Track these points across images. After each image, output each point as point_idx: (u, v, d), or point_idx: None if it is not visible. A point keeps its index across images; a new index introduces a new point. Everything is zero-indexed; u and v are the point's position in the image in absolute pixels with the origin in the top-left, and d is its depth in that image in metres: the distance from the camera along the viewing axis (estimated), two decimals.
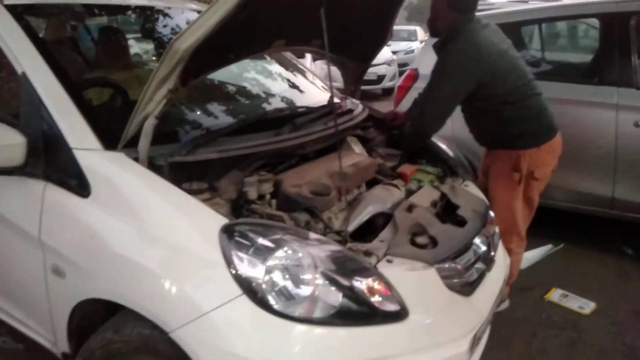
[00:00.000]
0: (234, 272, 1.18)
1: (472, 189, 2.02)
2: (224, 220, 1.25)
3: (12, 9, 1.66)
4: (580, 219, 3.14)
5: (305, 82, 2.43)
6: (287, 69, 2.51)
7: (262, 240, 1.23)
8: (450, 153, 2.27)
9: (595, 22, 3.16)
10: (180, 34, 1.22)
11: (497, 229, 1.86)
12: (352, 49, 2.24)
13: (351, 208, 1.68)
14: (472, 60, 1.91)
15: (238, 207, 1.47)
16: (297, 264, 1.22)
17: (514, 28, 3.40)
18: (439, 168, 2.13)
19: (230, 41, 1.42)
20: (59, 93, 1.47)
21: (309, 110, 1.94)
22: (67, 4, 1.92)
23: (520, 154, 2.01)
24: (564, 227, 3.24)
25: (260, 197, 1.53)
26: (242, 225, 1.26)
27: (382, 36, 2.21)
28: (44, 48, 1.58)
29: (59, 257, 1.41)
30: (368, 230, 1.62)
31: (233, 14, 1.24)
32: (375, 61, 8.91)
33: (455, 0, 1.98)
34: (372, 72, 9.49)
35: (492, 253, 1.70)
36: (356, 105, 2.27)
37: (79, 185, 1.38)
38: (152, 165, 1.39)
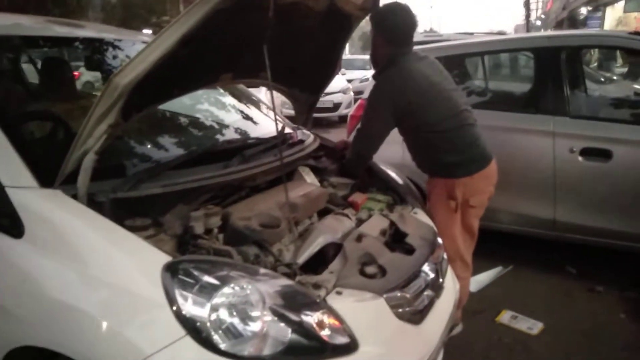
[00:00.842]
0: (177, 312, 1.14)
1: (421, 216, 2.07)
2: (166, 258, 1.22)
3: None
4: (528, 240, 3.27)
5: (257, 114, 2.44)
6: (240, 100, 2.52)
7: (207, 278, 1.20)
8: (400, 181, 2.33)
9: (531, 55, 3.38)
10: (120, 69, 1.21)
11: (445, 255, 1.91)
12: (302, 81, 2.29)
13: (302, 239, 1.68)
14: (398, 88, 1.99)
15: (184, 243, 1.43)
16: (245, 300, 1.20)
17: (459, 60, 3.59)
18: (389, 196, 2.17)
19: (174, 76, 1.42)
20: None
21: (259, 141, 1.95)
22: (9, 36, 1.86)
23: (455, 182, 2.09)
24: (513, 249, 3.36)
25: (208, 231, 1.51)
26: (185, 262, 1.23)
27: (331, 69, 2.27)
28: None
29: None
30: (320, 261, 1.62)
31: (175, 49, 1.24)
32: (331, 89, 9.14)
33: (390, 35, 2.07)
34: (328, 100, 9.69)
35: (441, 280, 1.73)
36: (307, 136, 2.30)
37: (11, 225, 1.30)
38: (93, 202, 1.34)
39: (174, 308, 1.14)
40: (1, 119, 1.44)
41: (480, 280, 2.99)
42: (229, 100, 2.47)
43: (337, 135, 5.27)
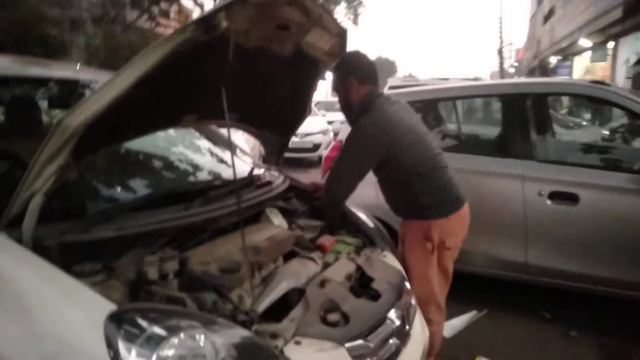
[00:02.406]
0: None
1: (390, 259, 2.03)
2: (112, 307, 1.15)
3: None
4: (502, 283, 3.25)
5: (228, 156, 2.42)
6: (213, 143, 2.50)
7: (154, 328, 1.13)
8: (370, 223, 2.30)
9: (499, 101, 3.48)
10: (71, 109, 1.18)
11: (413, 301, 1.86)
12: (272, 124, 2.29)
13: (265, 284, 1.62)
14: (379, 132, 2.00)
15: (137, 290, 1.37)
16: (195, 352, 1.13)
17: (432, 104, 3.68)
18: (358, 239, 2.14)
19: (131, 116, 1.39)
20: None
21: (224, 183, 1.91)
22: None
23: (432, 223, 2.08)
24: (487, 293, 3.33)
25: (164, 276, 1.45)
26: (131, 311, 1.16)
27: (301, 111, 2.28)
28: None
29: None
30: (283, 307, 1.56)
31: (131, 91, 1.22)
32: (311, 130, 9.22)
33: (363, 74, 2.10)
34: (308, 140, 9.82)
35: (407, 327, 1.68)
36: (276, 177, 2.28)
37: None
38: (39, 247, 1.27)
39: None
40: None
41: (454, 325, 2.93)
42: (202, 142, 2.45)
43: (316, 175, 5.27)
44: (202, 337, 1.15)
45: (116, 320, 1.12)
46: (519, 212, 2.94)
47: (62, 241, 1.31)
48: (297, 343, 1.32)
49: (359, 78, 2.12)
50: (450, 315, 2.83)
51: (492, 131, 3.65)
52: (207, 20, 1.25)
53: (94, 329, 1.11)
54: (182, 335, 1.14)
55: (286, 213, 2.18)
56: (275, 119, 2.25)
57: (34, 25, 11.04)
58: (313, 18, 1.73)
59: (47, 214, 1.31)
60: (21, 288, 1.19)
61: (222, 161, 2.40)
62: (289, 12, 1.60)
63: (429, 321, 2.07)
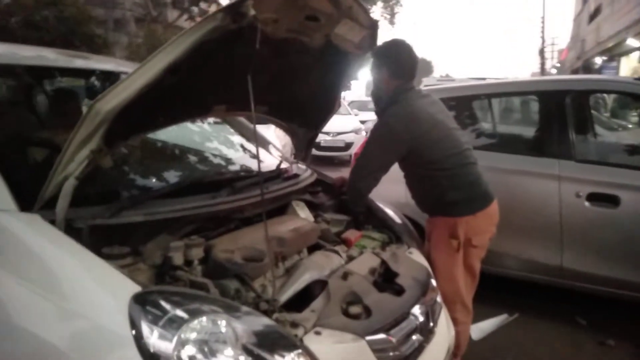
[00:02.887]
0: (142, 346, 1.09)
1: (416, 256, 2.00)
2: (137, 289, 1.17)
3: None
4: (536, 287, 3.14)
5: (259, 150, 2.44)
6: (245, 136, 2.53)
7: (176, 310, 1.15)
8: (397, 219, 2.27)
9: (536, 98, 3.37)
10: (102, 94, 1.21)
11: (439, 298, 1.82)
12: (300, 117, 2.30)
13: (288, 275, 1.63)
14: (404, 126, 1.98)
15: (162, 274, 1.40)
16: (216, 337, 1.14)
17: (466, 102, 3.59)
18: (384, 234, 2.12)
19: (161, 104, 1.42)
20: None
21: (251, 174, 1.93)
22: (23, 65, 1.91)
23: (457, 220, 2.03)
24: (519, 296, 3.22)
25: (189, 263, 1.47)
26: (155, 293, 1.18)
27: (330, 106, 2.27)
28: None
29: None
30: (305, 299, 1.55)
31: (160, 78, 1.25)
32: (343, 129, 9.24)
33: (396, 68, 2.08)
34: (340, 139, 9.84)
35: (432, 324, 1.64)
36: (303, 171, 2.28)
37: None
38: (71, 229, 1.32)
39: (140, 342, 1.09)
40: None
41: (483, 328, 2.84)
42: (232, 134, 2.48)
43: (347, 174, 5.25)
44: (224, 322, 1.16)
45: (140, 301, 1.15)
46: (555, 213, 2.83)
47: (93, 224, 1.35)
48: (317, 333, 1.31)
49: (393, 71, 2.10)
50: (480, 318, 2.75)
51: (528, 129, 3.53)
52: (235, 8, 1.25)
53: (119, 309, 1.13)
54: (203, 319, 1.15)
55: (313, 206, 2.18)
56: (304, 113, 2.26)
57: (80, 24, 11.49)
58: (343, 9, 1.71)
59: (80, 197, 1.36)
60: (53, 268, 1.24)
61: (250, 153, 2.42)
62: (318, 2, 1.59)
63: (454, 320, 2.03)
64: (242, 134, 2.57)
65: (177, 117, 1.67)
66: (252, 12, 1.27)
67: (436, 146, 2.02)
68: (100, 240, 1.34)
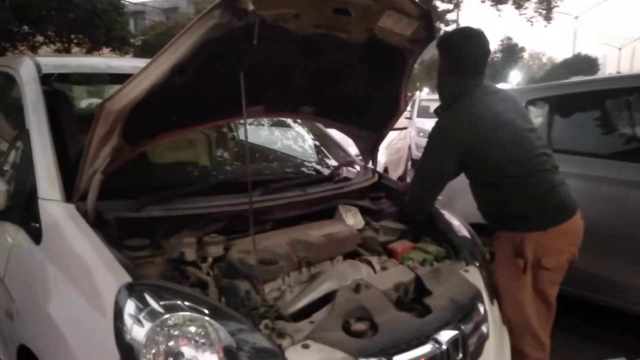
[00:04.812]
0: (119, 335, 1.14)
1: (472, 275, 1.74)
2: (128, 279, 1.23)
3: (45, 77, 1.91)
4: None
5: (311, 149, 2.41)
6: (317, 137, 2.52)
7: (155, 304, 1.17)
8: (463, 232, 2.01)
9: None
10: (112, 94, 1.30)
11: (485, 328, 1.55)
12: (359, 118, 2.19)
13: (309, 282, 1.56)
14: (464, 129, 1.74)
15: (174, 269, 1.45)
16: (188, 335, 1.14)
17: (598, 99, 3.06)
18: (442, 248, 1.89)
19: (183, 105, 1.47)
20: (47, 149, 1.63)
21: (287, 175, 1.90)
22: (99, 74, 2.18)
23: (525, 236, 1.71)
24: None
25: (204, 259, 1.50)
26: (142, 285, 1.22)
27: (393, 106, 2.11)
28: (55, 111, 1.78)
29: (10, 299, 1.50)
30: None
31: (168, 78, 1.29)
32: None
33: (458, 66, 1.85)
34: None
35: (461, 355, 1.40)
36: (361, 175, 2.17)
37: (35, 231, 1.48)
38: (101, 219, 1.44)
39: (118, 332, 1.14)
40: (59, 142, 1.66)
41: None
42: (274, 134, 2.48)
43: None
44: (199, 322, 1.15)
45: (128, 291, 1.20)
46: None
47: (119, 216, 1.46)
48: (305, 347, 1.21)
49: (454, 68, 1.88)
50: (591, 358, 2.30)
51: None
52: (232, 2, 1.22)
53: (107, 298, 1.20)
54: (180, 315, 1.15)
55: (371, 213, 2.06)
56: (362, 115, 2.14)
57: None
58: (382, 0, 1.58)
59: (114, 191, 1.49)
60: (71, 254, 1.38)
61: (303, 156, 2.39)
62: None
63: (522, 355, 1.72)
64: (313, 133, 2.54)
65: (209, 117, 1.71)
66: (251, 6, 1.24)
67: (502, 150, 1.75)
68: (128, 232, 1.44)
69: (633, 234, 2.50)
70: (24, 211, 1.57)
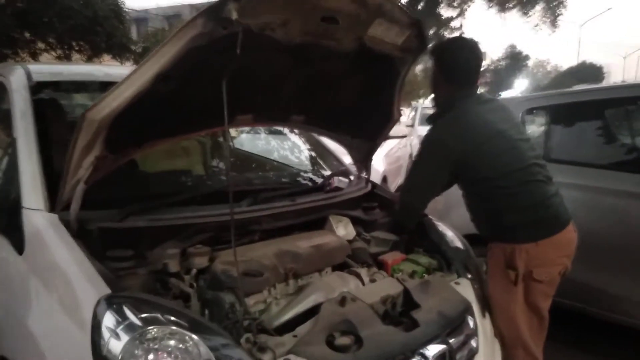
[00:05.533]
0: (96, 349, 1.11)
1: (463, 287, 1.71)
2: (108, 292, 1.20)
3: (36, 86, 1.90)
4: None
5: (306, 158, 2.39)
6: (310, 146, 2.50)
7: (134, 317, 1.15)
8: (455, 244, 1.98)
9: None
10: (94, 104, 1.28)
11: (474, 342, 1.52)
12: (351, 127, 2.17)
13: (296, 294, 1.53)
14: (455, 139, 1.72)
15: (157, 280, 1.42)
16: (167, 349, 1.11)
17: (596, 109, 3.03)
18: (434, 260, 1.87)
19: (167, 113, 1.46)
20: (33, 158, 1.61)
21: (277, 185, 1.88)
22: (92, 82, 2.17)
23: (516, 248, 1.69)
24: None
25: (189, 271, 1.47)
26: (121, 298, 1.20)
27: (386, 115, 2.10)
28: (44, 120, 1.76)
29: None
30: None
31: (151, 87, 1.27)
32: None
33: (451, 75, 1.84)
34: None
35: None
36: (354, 185, 2.15)
37: (18, 241, 1.46)
38: (83, 230, 1.42)
39: (96, 344, 1.12)
40: (45, 151, 1.64)
41: None
42: (266, 143, 2.47)
43: None
44: (179, 336, 1.13)
45: (107, 303, 1.18)
46: None
47: (102, 226, 1.44)
48: None
49: (446, 77, 1.86)
50: None
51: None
52: (215, 12, 1.21)
53: (86, 311, 1.18)
54: (158, 329, 1.13)
55: (364, 224, 2.03)
56: (355, 124, 2.13)
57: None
58: (371, 8, 1.55)
59: (97, 201, 1.47)
60: (51, 264, 1.36)
61: (285, 162, 2.37)
62: (333, 1, 1.46)
63: None
64: (309, 142, 2.52)
65: (196, 126, 1.70)
66: (235, 15, 1.22)
67: (494, 160, 1.72)
68: (111, 243, 1.42)
69: (632, 246, 2.46)
70: (8, 220, 1.56)
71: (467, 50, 1.84)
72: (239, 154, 2.36)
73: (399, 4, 1.61)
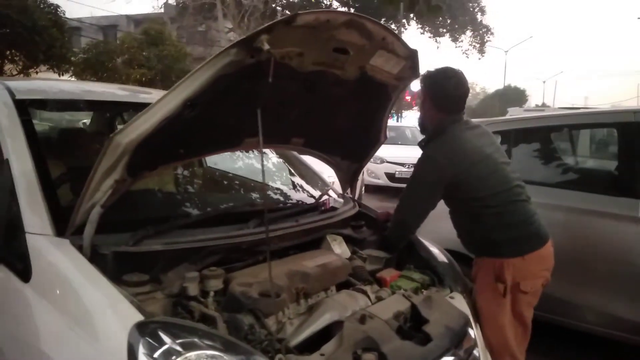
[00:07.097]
0: None
1: (458, 301, 1.83)
2: (139, 318, 1.19)
3: (19, 103, 1.82)
4: (617, 345, 2.73)
5: (299, 180, 2.44)
6: (293, 168, 2.55)
7: (172, 342, 1.14)
8: (443, 259, 2.11)
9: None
10: (122, 128, 1.28)
11: (476, 352, 1.64)
12: (342, 150, 2.26)
13: (309, 313, 1.57)
14: (447, 162, 1.87)
15: (177, 304, 1.41)
16: None
17: (543, 133, 3.33)
18: (426, 275, 1.98)
19: (185, 137, 1.47)
20: (31, 179, 1.54)
21: (282, 206, 1.92)
22: (75, 100, 2.10)
23: (504, 262, 1.85)
24: (601, 356, 2.82)
25: (206, 294, 1.47)
26: (155, 323, 1.19)
27: (374, 138, 2.21)
28: (34, 139, 1.69)
29: None
30: (326, 339, 1.48)
31: (178, 111, 1.29)
32: (412, 161, 8.84)
33: (440, 102, 1.99)
34: (408, 171, 9.45)
35: None
36: (344, 204, 2.23)
37: (23, 268, 1.39)
38: (97, 254, 1.38)
39: None
40: (42, 172, 1.57)
41: None
42: (271, 163, 2.51)
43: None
44: (216, 358, 1.13)
45: (140, 331, 1.16)
46: None
47: (116, 251, 1.41)
48: None
49: (437, 103, 2.01)
50: None
51: (607, 165, 3.17)
52: (249, 42, 1.27)
53: (119, 337, 1.15)
54: (196, 354, 1.13)
55: (354, 242, 2.11)
56: (346, 146, 2.22)
57: (177, 61, 12.55)
58: (376, 40, 1.67)
59: (109, 225, 1.43)
60: (71, 291, 1.31)
61: (287, 185, 2.42)
62: (346, 34, 1.56)
63: None
64: (291, 166, 2.58)
65: (206, 149, 1.72)
66: (267, 46, 1.28)
67: (482, 182, 1.88)
68: (124, 267, 1.40)
69: (579, 258, 2.70)
70: (6, 247, 1.48)
71: (455, 80, 2.00)
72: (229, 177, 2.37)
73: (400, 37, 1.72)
